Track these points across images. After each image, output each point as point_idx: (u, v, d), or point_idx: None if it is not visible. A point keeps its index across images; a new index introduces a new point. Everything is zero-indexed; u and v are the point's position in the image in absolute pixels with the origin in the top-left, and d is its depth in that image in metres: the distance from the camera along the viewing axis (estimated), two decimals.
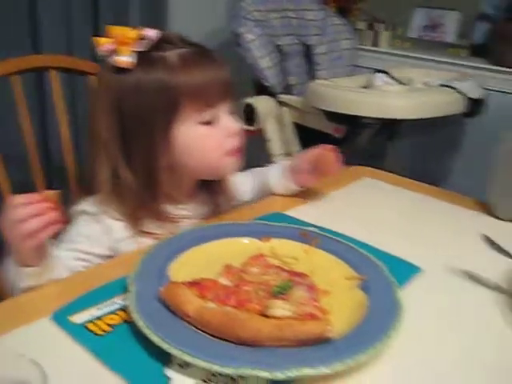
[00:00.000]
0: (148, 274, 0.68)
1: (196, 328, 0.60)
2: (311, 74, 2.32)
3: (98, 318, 0.64)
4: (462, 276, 0.78)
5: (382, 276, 0.70)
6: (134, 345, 0.60)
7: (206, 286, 0.63)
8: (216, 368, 0.54)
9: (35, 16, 1.79)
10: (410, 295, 0.70)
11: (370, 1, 2.63)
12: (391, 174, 1.22)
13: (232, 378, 0.56)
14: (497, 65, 2.17)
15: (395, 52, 2.45)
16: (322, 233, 0.82)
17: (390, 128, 2.08)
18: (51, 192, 0.70)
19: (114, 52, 0.83)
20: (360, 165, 1.26)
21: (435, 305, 0.72)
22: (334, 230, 0.86)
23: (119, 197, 0.86)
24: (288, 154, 2.11)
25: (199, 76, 0.84)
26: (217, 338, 0.59)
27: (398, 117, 1.73)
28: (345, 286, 0.70)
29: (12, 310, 0.68)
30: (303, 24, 2.29)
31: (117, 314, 0.65)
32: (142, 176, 0.85)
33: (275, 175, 1.06)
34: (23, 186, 0.95)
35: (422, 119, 1.80)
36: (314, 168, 1.00)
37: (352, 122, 1.88)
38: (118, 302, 0.67)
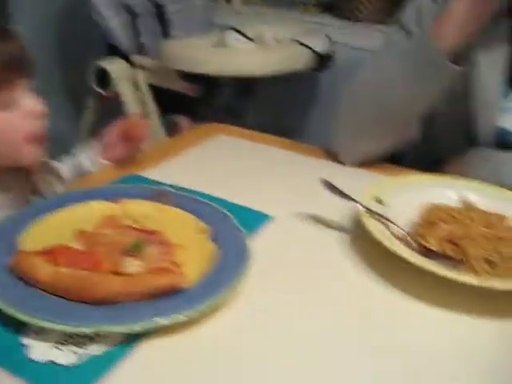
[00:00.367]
0: None
1: (52, 295, 0.60)
2: (165, 34, 2.29)
3: None
4: (308, 221, 0.85)
5: (232, 227, 0.75)
6: None
7: (57, 252, 0.64)
8: (70, 329, 0.55)
9: None
10: (260, 242, 0.75)
11: None
12: (245, 130, 1.26)
13: (91, 338, 0.57)
14: (344, 19, 2.28)
15: (248, 9, 2.49)
16: (174, 191, 0.85)
17: (246, 85, 2.13)
18: None
19: None
20: (218, 123, 1.29)
21: (285, 250, 0.78)
22: (186, 187, 0.89)
23: None
24: (146, 117, 2.09)
25: None
26: (74, 302, 0.60)
27: (250, 74, 1.78)
28: (196, 239, 0.73)
29: None
30: None
31: None
32: None
33: (86, 155, 1.05)
34: None
35: (275, 75, 1.86)
36: (124, 139, 1.01)
37: (206, 81, 1.90)
38: None
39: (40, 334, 0.57)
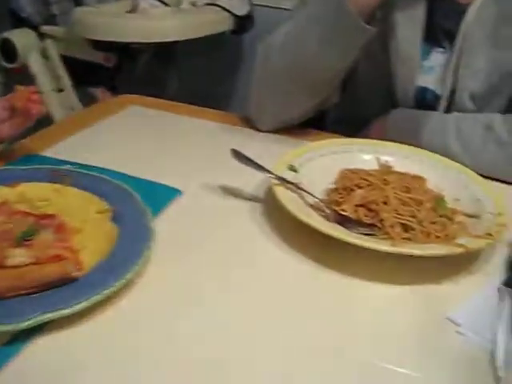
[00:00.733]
0: None
1: None
2: (77, 3, 2.16)
3: None
4: (219, 194, 0.81)
5: (135, 205, 0.70)
6: None
7: None
8: None
9: None
10: (167, 220, 0.72)
11: None
12: (160, 100, 1.19)
13: None
14: None
15: None
16: (74, 169, 0.79)
17: (164, 52, 2.04)
18: None
19: None
20: (138, 94, 1.22)
21: (193, 226, 0.74)
22: (91, 164, 0.83)
23: None
24: (60, 90, 1.98)
25: None
26: None
27: (164, 39, 1.70)
28: (97, 220, 0.68)
29: None
30: None
31: None
32: None
33: None
34: None
35: (193, 41, 1.79)
36: (15, 114, 0.93)
37: (121, 50, 1.81)
38: None
39: None
